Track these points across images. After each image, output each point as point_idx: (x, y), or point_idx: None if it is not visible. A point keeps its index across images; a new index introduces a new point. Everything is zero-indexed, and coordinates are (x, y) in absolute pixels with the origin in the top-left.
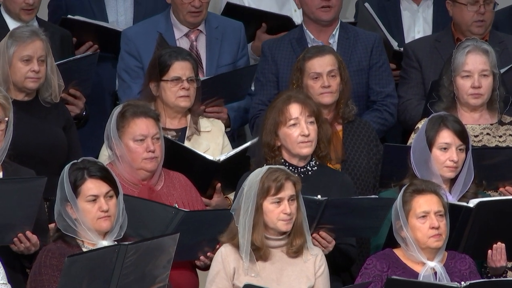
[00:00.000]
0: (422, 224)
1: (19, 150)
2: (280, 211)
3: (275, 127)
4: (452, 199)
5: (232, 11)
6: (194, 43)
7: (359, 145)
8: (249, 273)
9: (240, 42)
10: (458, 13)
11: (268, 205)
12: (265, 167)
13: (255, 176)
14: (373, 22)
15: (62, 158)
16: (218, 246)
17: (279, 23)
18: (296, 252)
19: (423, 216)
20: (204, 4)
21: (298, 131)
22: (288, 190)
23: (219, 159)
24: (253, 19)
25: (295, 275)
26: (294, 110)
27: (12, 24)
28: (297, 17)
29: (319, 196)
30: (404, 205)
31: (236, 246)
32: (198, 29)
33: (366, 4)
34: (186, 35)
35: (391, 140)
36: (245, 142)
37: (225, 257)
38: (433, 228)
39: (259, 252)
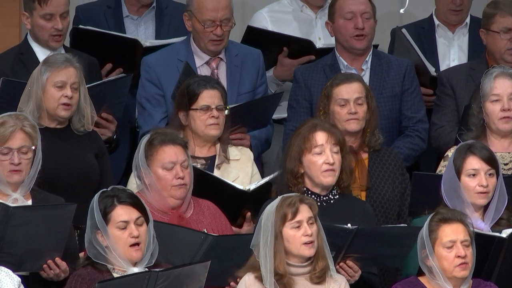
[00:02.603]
0: (448, 253)
1: (50, 177)
2: (302, 234)
3: (300, 154)
4: (485, 226)
5: (253, 34)
6: (215, 71)
7: (384, 174)
8: None
9: (259, 70)
10: (492, 41)
11: (288, 231)
12: (278, 197)
13: (270, 207)
14: (410, 48)
15: (94, 185)
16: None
17: (300, 47)
18: (319, 277)
19: (450, 245)
20: (226, 32)
21: (322, 159)
22: (305, 212)
23: (249, 188)
24: (274, 43)
25: None
26: (320, 138)
27: (40, 51)
28: (321, 45)
29: (349, 225)
30: (430, 234)
31: (259, 278)
32: (218, 57)
33: (404, 30)
34: (207, 63)
35: (425, 166)
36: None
37: (249, 286)
38: (459, 257)
39: (283, 281)
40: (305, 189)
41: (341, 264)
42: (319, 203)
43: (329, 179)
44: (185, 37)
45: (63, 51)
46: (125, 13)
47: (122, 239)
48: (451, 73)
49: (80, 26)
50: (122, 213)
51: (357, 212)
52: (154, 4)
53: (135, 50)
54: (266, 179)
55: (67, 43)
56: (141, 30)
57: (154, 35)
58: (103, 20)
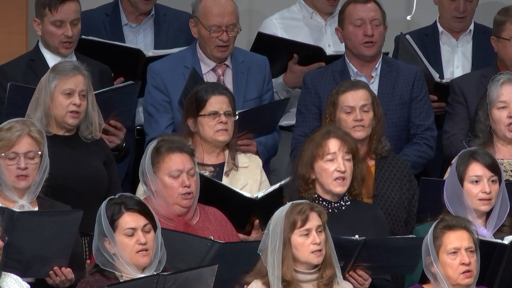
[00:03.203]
0: (452, 260)
1: (59, 184)
2: (310, 242)
3: (312, 160)
4: (488, 232)
5: (263, 41)
6: (221, 77)
7: (391, 181)
8: None
9: (266, 77)
10: (502, 49)
11: (296, 238)
12: (288, 204)
13: (279, 213)
14: (414, 54)
15: (102, 193)
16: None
17: (310, 54)
18: (327, 284)
19: (454, 252)
20: (232, 38)
21: (334, 166)
22: (314, 220)
23: (257, 196)
24: (285, 50)
25: None
26: (333, 145)
27: (50, 58)
28: (331, 52)
29: (356, 236)
30: (435, 240)
31: (266, 284)
32: (224, 64)
33: (408, 36)
34: (213, 69)
35: (434, 174)
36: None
37: None
38: (463, 264)
39: (290, 287)
40: (316, 195)
41: (350, 272)
42: (330, 210)
43: (339, 189)
44: (186, 47)
45: (74, 58)
46: (123, 21)
47: (130, 246)
48: (462, 81)
49: (83, 36)
50: (130, 220)
51: (369, 218)
52: (153, 12)
53: (137, 60)
54: (275, 186)
55: None
56: (140, 38)
57: (153, 43)
58: (102, 28)
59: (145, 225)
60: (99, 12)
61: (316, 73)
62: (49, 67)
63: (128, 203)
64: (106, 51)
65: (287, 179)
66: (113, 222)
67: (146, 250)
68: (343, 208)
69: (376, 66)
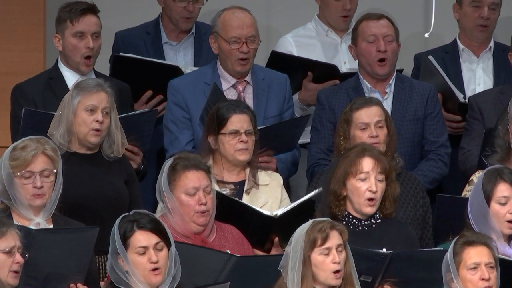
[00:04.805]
0: (472, 276)
1: (79, 203)
2: (330, 261)
3: (345, 177)
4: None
5: (277, 59)
6: (242, 94)
7: (405, 197)
8: None
9: (286, 94)
10: None
11: (316, 256)
12: (310, 221)
13: (300, 230)
14: (438, 74)
15: (123, 212)
16: None
17: (324, 72)
18: None
19: (474, 268)
20: (252, 51)
21: (366, 186)
22: (335, 239)
23: (276, 214)
24: (299, 68)
25: None
26: (367, 164)
27: (69, 76)
28: (346, 69)
29: (384, 250)
30: (455, 256)
31: None
32: (245, 80)
33: (430, 57)
34: (234, 86)
35: (448, 190)
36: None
37: None
38: (483, 279)
39: None
40: (346, 212)
41: None
42: (360, 228)
43: (369, 209)
44: None
45: (93, 76)
46: (164, 39)
47: (142, 264)
48: (480, 98)
49: (121, 54)
50: (141, 238)
51: (400, 237)
52: (193, 30)
53: (176, 77)
54: (293, 204)
55: (106, 69)
56: (180, 56)
57: (193, 61)
58: (143, 46)
59: (157, 243)
60: (139, 30)
61: (330, 90)
62: (67, 86)
63: (141, 221)
64: (144, 69)
65: (308, 195)
66: (125, 240)
67: (158, 268)
68: (374, 226)
69: (390, 82)
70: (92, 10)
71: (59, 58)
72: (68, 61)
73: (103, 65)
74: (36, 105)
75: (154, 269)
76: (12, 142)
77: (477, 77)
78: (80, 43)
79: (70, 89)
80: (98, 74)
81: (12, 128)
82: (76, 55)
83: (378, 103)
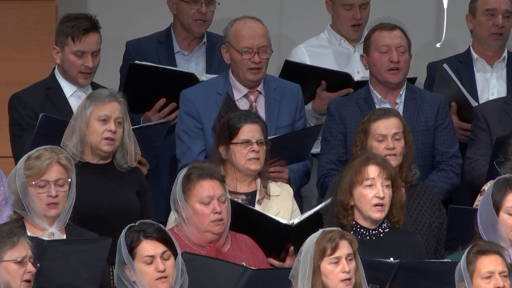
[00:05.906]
0: (487, 284)
1: (91, 213)
2: (340, 270)
3: (351, 186)
4: None
5: (291, 69)
6: (254, 103)
7: (421, 209)
8: None
9: (298, 104)
10: None
11: (326, 266)
12: (320, 231)
13: (310, 240)
14: (453, 83)
15: (135, 222)
16: None
17: (338, 80)
18: None
19: (488, 277)
20: (264, 60)
21: (373, 193)
22: (345, 248)
23: (293, 223)
24: (312, 77)
25: None
26: (372, 171)
27: (67, 88)
28: (359, 78)
29: (391, 259)
30: (468, 266)
31: None
32: (257, 90)
33: (445, 65)
34: (246, 96)
35: (457, 201)
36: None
37: None
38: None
39: None
40: (354, 222)
41: None
42: (368, 237)
43: (378, 215)
44: None
45: (90, 89)
46: (176, 48)
47: (149, 274)
48: (485, 107)
49: (137, 62)
50: (148, 248)
51: (408, 246)
52: (205, 40)
53: (191, 85)
54: (309, 212)
55: (116, 79)
56: (192, 66)
57: (205, 71)
58: (154, 56)
59: (163, 252)
60: (151, 39)
61: (340, 101)
62: (65, 96)
63: (147, 230)
64: (159, 76)
65: (322, 205)
66: (132, 250)
67: (165, 277)
68: (382, 235)
69: (401, 92)
70: (94, 27)
71: (56, 68)
72: (66, 74)
73: (113, 74)
74: (36, 114)
75: (161, 278)
76: (12, 150)
77: (491, 86)
78: (79, 60)
79: (68, 99)
80: (95, 86)
81: (12, 134)
82: (74, 71)
83: (397, 114)
